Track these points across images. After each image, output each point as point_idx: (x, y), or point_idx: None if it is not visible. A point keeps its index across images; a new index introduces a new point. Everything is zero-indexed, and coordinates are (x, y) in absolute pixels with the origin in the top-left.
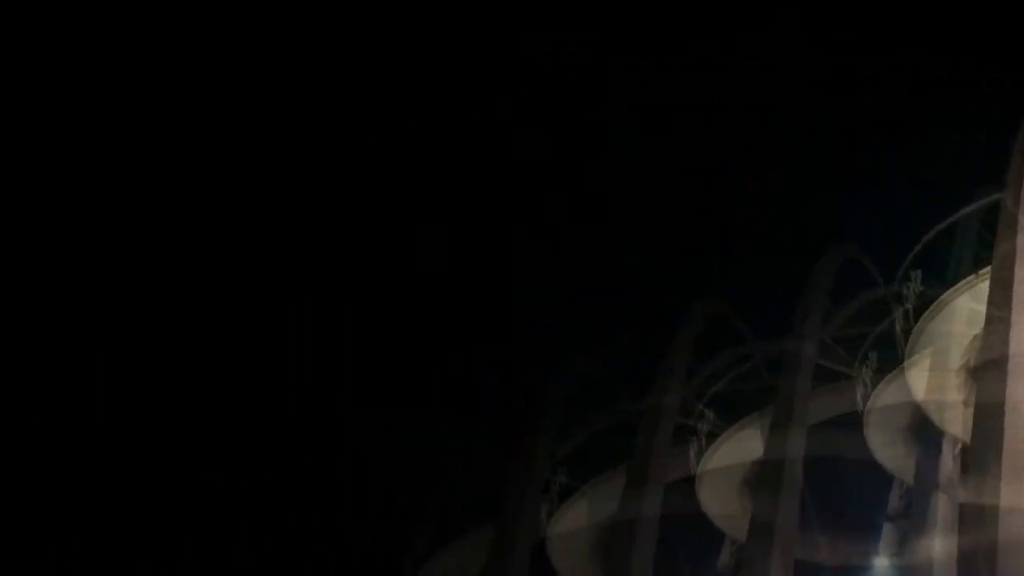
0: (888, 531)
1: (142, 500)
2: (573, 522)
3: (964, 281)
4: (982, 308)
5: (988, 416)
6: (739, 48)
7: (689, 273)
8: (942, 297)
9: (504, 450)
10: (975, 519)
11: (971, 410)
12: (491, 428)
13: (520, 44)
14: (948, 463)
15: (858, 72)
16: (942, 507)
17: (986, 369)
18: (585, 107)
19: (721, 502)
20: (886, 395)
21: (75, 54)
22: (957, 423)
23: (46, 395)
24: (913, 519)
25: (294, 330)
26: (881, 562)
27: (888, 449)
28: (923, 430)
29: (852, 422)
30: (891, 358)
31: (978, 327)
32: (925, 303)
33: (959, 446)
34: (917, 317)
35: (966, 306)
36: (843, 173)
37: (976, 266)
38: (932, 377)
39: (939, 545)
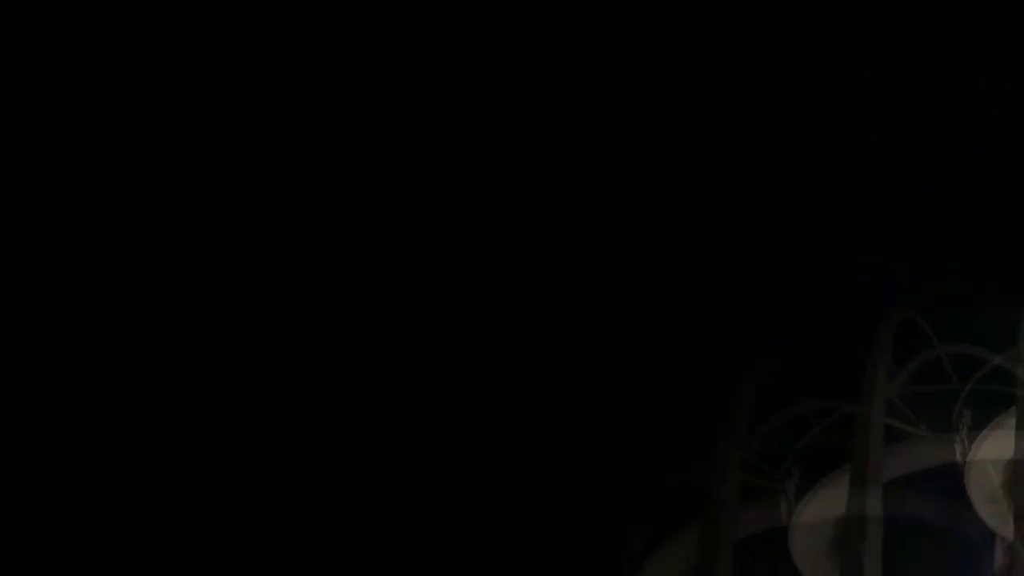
0: None
1: (144, 500)
2: (808, 521)
3: None
4: None
5: None
6: (739, 48)
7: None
8: None
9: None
10: None
11: None
12: (711, 426)
13: (520, 44)
14: None
15: (858, 72)
16: None
17: None
18: (585, 107)
19: (989, 503)
20: None
21: (74, 52)
22: None
23: (46, 395)
24: None
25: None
26: None
27: None
28: None
29: None
30: None
31: None
32: None
33: None
34: None
35: None
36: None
37: None
38: None
39: None
